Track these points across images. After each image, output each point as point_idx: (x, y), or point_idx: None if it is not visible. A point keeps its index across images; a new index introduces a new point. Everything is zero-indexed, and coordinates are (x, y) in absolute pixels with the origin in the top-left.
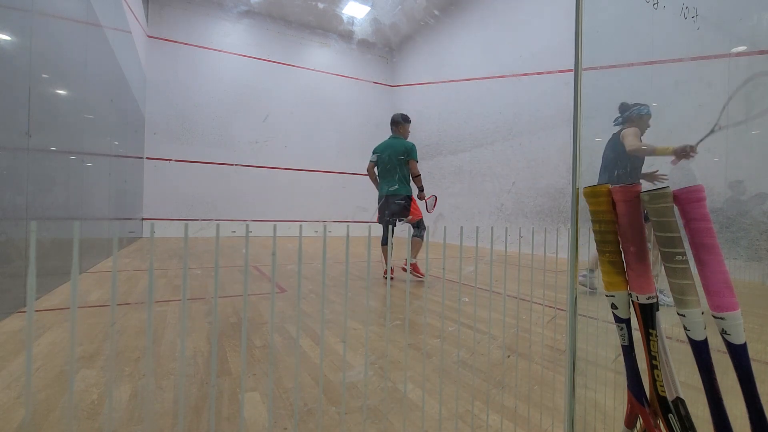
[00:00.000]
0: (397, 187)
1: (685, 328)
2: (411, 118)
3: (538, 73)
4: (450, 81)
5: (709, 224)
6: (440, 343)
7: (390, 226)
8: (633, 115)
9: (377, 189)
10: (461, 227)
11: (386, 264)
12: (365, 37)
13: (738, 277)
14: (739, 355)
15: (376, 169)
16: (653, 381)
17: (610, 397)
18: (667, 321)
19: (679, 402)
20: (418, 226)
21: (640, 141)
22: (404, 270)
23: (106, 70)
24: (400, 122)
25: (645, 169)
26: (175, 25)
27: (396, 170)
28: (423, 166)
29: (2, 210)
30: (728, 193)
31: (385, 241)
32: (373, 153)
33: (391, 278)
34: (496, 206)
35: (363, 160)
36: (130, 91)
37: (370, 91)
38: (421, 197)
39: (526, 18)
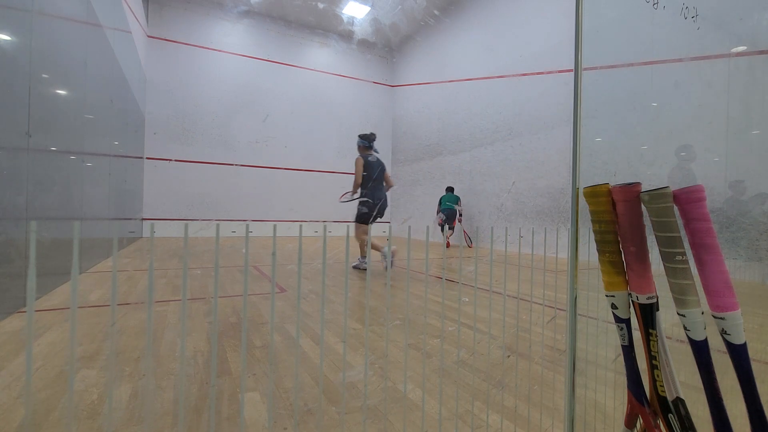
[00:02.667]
0: (453, 209)
1: (685, 328)
2: (413, 121)
3: (538, 73)
4: (450, 81)
5: (709, 224)
6: (440, 343)
7: (446, 226)
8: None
9: (438, 214)
10: (461, 227)
11: (446, 239)
12: (365, 37)
13: (738, 277)
14: (739, 355)
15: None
16: (653, 381)
17: (610, 397)
18: (667, 321)
19: (679, 402)
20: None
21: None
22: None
23: (106, 70)
24: (452, 188)
25: (645, 169)
26: (175, 25)
27: (452, 204)
28: (423, 166)
29: (2, 210)
30: (728, 193)
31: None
32: (441, 201)
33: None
34: (496, 206)
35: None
36: (130, 91)
37: (370, 91)
38: (460, 220)
39: (526, 18)
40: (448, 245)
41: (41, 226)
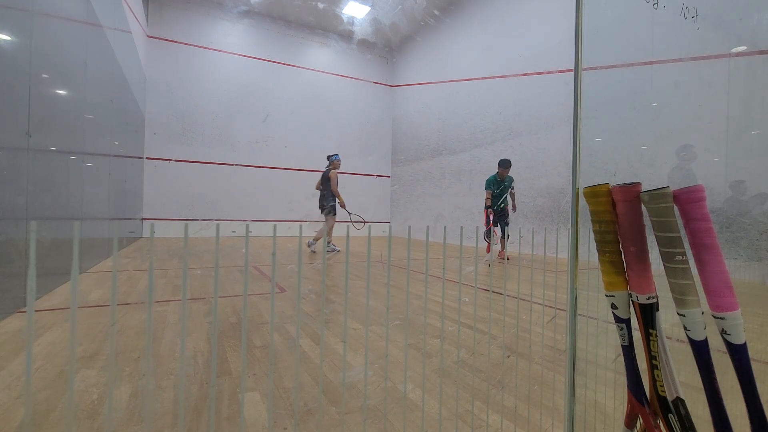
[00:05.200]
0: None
1: (685, 328)
2: (413, 121)
3: (538, 73)
4: (450, 81)
5: (709, 224)
6: (440, 343)
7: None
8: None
9: (491, 206)
10: (461, 227)
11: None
12: (365, 37)
13: (738, 277)
14: (739, 355)
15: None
16: (653, 381)
17: (610, 397)
18: (667, 321)
19: (679, 402)
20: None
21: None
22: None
23: (106, 70)
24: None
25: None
26: (175, 25)
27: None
28: (423, 166)
29: (2, 210)
30: (728, 193)
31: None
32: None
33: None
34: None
35: (363, 159)
36: (130, 91)
37: (370, 91)
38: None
39: (526, 18)
40: (501, 255)
41: (41, 226)
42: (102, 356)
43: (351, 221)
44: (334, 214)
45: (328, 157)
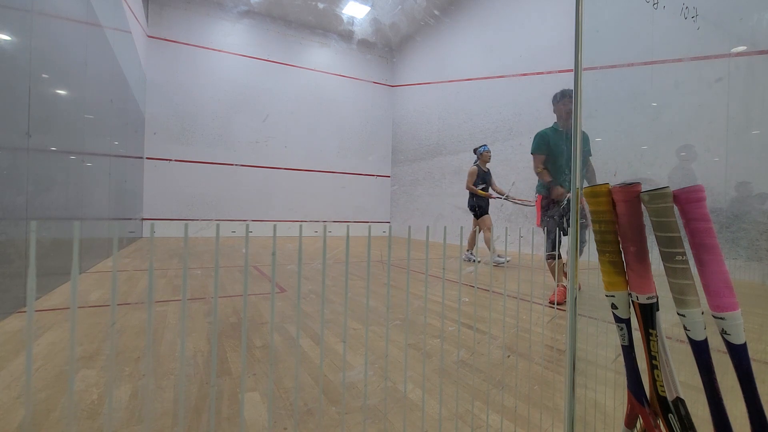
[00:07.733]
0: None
1: (685, 328)
2: (413, 121)
3: (538, 73)
4: (450, 81)
5: (709, 224)
6: (440, 343)
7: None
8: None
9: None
10: (461, 227)
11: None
12: (365, 37)
13: (738, 277)
14: (739, 355)
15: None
16: (653, 381)
17: (610, 397)
18: (667, 321)
19: (679, 402)
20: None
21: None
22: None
23: (106, 70)
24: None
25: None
26: (175, 25)
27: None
28: (423, 166)
29: (2, 210)
30: (729, 193)
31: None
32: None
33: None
34: (496, 206)
35: (363, 159)
36: (130, 91)
37: (370, 91)
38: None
39: (526, 18)
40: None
41: (41, 226)
42: (102, 356)
43: (518, 202)
44: (479, 215)
45: (475, 151)
